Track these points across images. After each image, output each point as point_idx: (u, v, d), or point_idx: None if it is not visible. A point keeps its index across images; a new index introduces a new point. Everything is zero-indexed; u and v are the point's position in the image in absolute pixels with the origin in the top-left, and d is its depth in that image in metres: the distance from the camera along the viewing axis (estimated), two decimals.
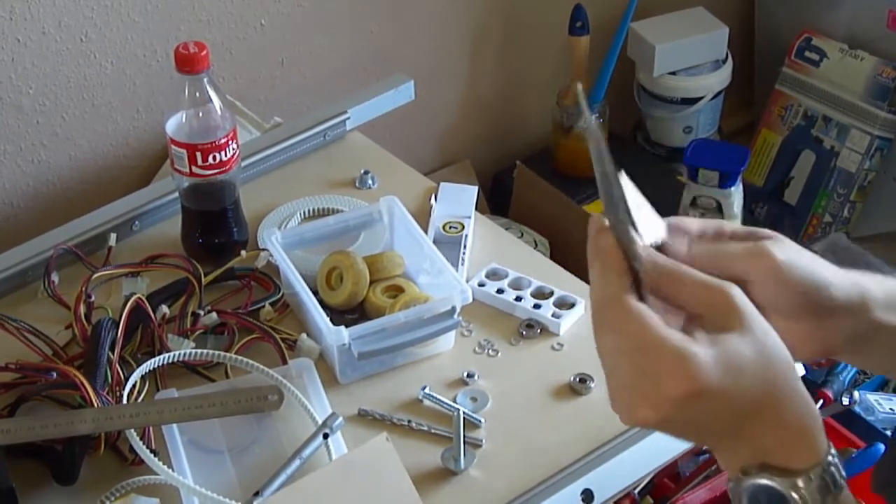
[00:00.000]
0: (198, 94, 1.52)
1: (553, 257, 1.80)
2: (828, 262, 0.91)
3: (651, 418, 0.80)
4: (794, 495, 0.80)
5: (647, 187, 0.88)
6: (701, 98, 2.60)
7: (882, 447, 2.21)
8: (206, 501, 1.23)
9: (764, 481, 0.80)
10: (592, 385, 1.42)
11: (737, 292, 0.81)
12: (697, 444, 0.87)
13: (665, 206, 0.89)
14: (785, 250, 0.89)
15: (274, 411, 1.36)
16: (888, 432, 2.44)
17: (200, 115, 1.54)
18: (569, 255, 2.08)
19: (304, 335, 1.48)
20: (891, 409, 2.52)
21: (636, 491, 2.08)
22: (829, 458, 0.82)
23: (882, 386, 2.64)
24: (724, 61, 2.62)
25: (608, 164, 0.81)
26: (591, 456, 1.28)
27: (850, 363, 0.90)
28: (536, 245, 2.26)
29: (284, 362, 1.44)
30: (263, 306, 1.54)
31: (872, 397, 2.52)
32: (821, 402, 2.29)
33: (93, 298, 1.53)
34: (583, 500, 1.21)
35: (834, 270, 0.91)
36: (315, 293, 1.49)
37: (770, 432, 0.81)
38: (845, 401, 2.30)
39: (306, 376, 1.41)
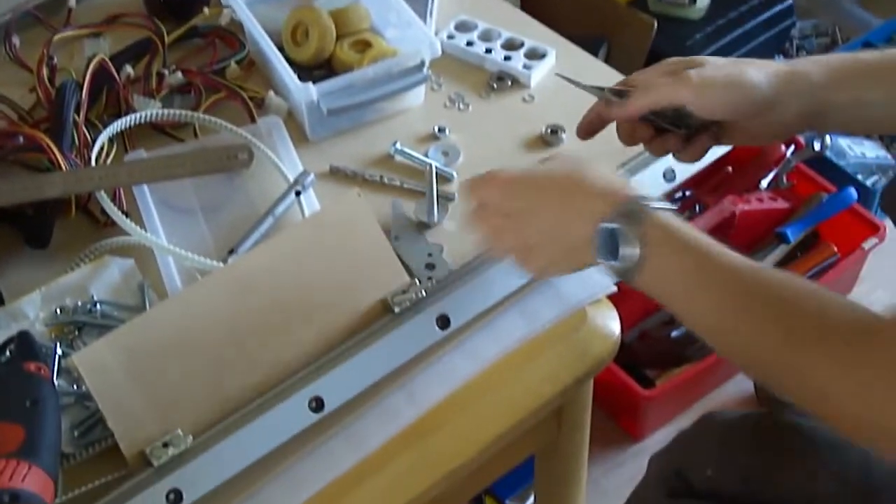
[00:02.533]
0: None
1: (524, 7, 1.76)
2: (749, 62, 1.10)
3: None
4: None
5: None
6: None
7: (853, 191, 2.24)
8: (180, 260, 1.23)
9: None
10: (564, 135, 1.42)
11: None
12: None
13: None
14: (700, 72, 1.09)
15: (245, 170, 1.36)
16: (859, 176, 2.46)
17: None
18: (540, 4, 2.04)
19: (271, 93, 1.47)
20: (862, 153, 2.54)
21: None
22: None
23: None
24: None
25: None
26: None
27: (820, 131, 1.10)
28: None
29: (253, 121, 1.43)
30: (229, 64, 1.52)
31: (844, 142, 2.54)
32: (792, 147, 2.30)
33: (55, 61, 1.50)
34: None
35: (755, 70, 1.09)
36: (281, 50, 1.46)
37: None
38: (816, 146, 2.32)
39: (276, 134, 1.40)
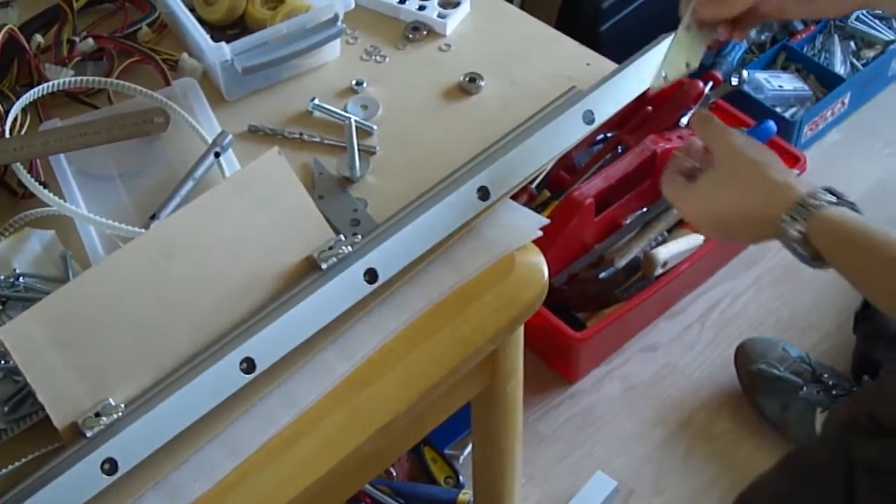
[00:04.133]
0: None
1: None
2: None
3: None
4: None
5: None
6: None
7: (773, 124, 2.26)
8: (101, 229, 1.22)
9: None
10: (482, 83, 1.42)
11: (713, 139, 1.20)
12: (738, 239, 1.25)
13: None
14: None
15: (162, 134, 1.34)
16: (778, 109, 2.49)
17: None
18: None
19: (185, 54, 1.45)
20: (780, 85, 2.57)
21: (533, 185, 2.11)
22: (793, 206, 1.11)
23: (770, 64, 2.67)
24: None
25: None
26: (485, 154, 1.29)
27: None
28: None
29: (168, 83, 1.41)
30: (140, 28, 1.50)
31: (761, 76, 2.56)
32: (710, 83, 2.31)
33: None
34: (479, 197, 1.22)
35: None
36: (192, 10, 1.44)
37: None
38: (734, 81, 2.34)
39: (191, 96, 1.39)
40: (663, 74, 1.28)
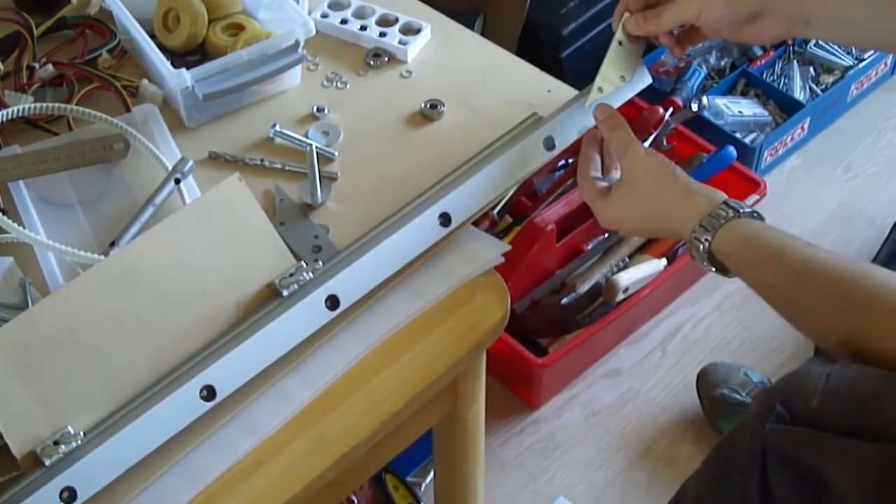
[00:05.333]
0: None
1: None
2: None
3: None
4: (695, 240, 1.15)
5: None
6: None
7: (733, 149, 2.28)
8: (61, 256, 1.21)
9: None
10: (443, 109, 1.42)
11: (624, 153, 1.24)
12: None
13: None
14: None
15: (122, 160, 1.34)
16: (738, 134, 2.50)
17: None
18: None
19: (145, 81, 1.44)
20: (739, 111, 2.58)
21: (495, 211, 2.12)
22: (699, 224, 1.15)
23: (729, 90, 2.69)
24: None
25: None
26: (447, 180, 1.29)
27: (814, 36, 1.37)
28: None
29: (128, 110, 1.41)
30: (101, 54, 1.49)
31: (721, 101, 2.58)
32: (670, 109, 2.33)
33: None
34: (440, 224, 1.22)
35: None
36: (152, 37, 1.44)
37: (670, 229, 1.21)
38: (694, 107, 2.35)
39: (152, 122, 1.38)
40: (598, 87, 1.30)
